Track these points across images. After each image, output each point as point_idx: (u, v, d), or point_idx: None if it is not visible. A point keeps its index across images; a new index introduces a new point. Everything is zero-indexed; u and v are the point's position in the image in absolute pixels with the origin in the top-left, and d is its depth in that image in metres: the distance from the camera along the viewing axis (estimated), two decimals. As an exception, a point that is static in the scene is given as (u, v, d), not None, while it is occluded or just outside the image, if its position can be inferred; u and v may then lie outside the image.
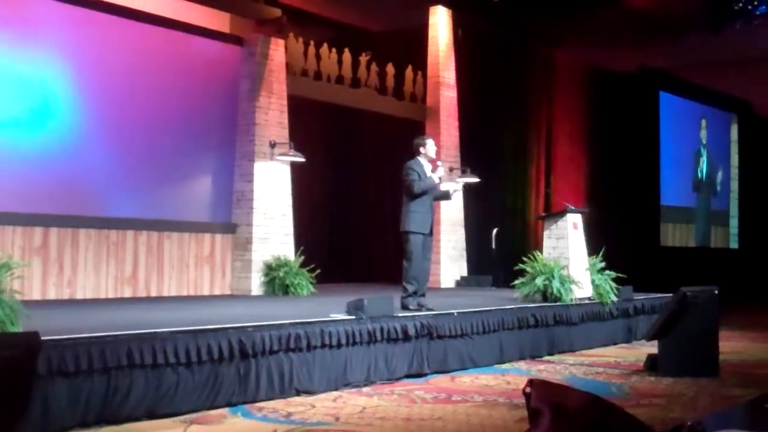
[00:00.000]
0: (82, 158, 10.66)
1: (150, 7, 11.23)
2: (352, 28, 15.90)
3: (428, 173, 9.29)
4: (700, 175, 22.81)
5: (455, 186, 10.00)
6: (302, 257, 12.10)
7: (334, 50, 13.68)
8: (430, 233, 9.38)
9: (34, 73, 10.31)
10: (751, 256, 23.63)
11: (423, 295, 9.34)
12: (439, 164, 9.54)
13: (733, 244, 24.21)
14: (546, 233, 11.45)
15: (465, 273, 15.17)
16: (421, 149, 9.40)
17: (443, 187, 9.73)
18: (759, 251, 23.91)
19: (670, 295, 9.35)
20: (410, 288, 9.17)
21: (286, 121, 12.56)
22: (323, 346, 7.56)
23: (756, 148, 24.30)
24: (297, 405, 6.95)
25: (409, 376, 8.36)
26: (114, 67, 11.03)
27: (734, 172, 24.28)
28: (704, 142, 22.91)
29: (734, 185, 24.23)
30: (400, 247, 9.36)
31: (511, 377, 8.60)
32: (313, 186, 14.78)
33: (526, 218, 17.26)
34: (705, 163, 22.89)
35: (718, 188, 23.45)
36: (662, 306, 10.81)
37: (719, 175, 23.40)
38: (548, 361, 9.84)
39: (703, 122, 22.85)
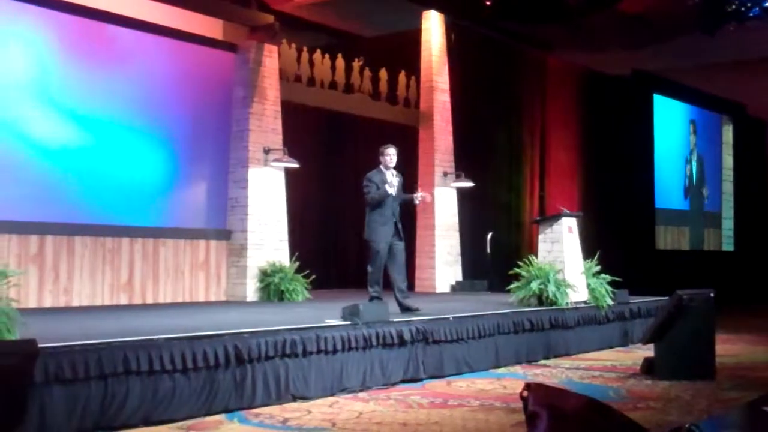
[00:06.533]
0: (76, 166, 10.65)
1: (143, 15, 11.23)
2: (345, 33, 15.93)
3: (388, 181, 9.70)
4: (693, 180, 22.81)
5: (420, 194, 10.19)
6: (297, 263, 12.07)
7: (327, 56, 13.69)
8: (400, 239, 9.72)
9: (26, 81, 10.31)
10: (746, 259, 23.66)
11: (406, 297, 9.60)
12: (420, 194, 10.06)
13: (728, 247, 24.21)
14: (541, 237, 11.47)
15: (460, 277, 15.15)
16: (380, 158, 9.85)
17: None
18: (754, 253, 23.94)
19: (666, 298, 9.35)
20: (372, 292, 9.60)
21: (279, 127, 12.56)
22: (319, 351, 7.55)
23: (750, 149, 24.35)
24: (293, 411, 6.95)
25: (405, 381, 8.34)
26: (107, 75, 11.02)
27: (728, 174, 24.29)
28: (694, 145, 22.91)
29: (728, 187, 24.23)
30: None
31: (508, 381, 8.59)
32: (307, 192, 14.77)
33: (520, 222, 17.24)
34: (695, 167, 22.89)
35: (705, 200, 23.38)
36: (658, 309, 10.81)
37: (705, 191, 23.36)
38: (544, 366, 9.83)
39: (692, 127, 22.85)
